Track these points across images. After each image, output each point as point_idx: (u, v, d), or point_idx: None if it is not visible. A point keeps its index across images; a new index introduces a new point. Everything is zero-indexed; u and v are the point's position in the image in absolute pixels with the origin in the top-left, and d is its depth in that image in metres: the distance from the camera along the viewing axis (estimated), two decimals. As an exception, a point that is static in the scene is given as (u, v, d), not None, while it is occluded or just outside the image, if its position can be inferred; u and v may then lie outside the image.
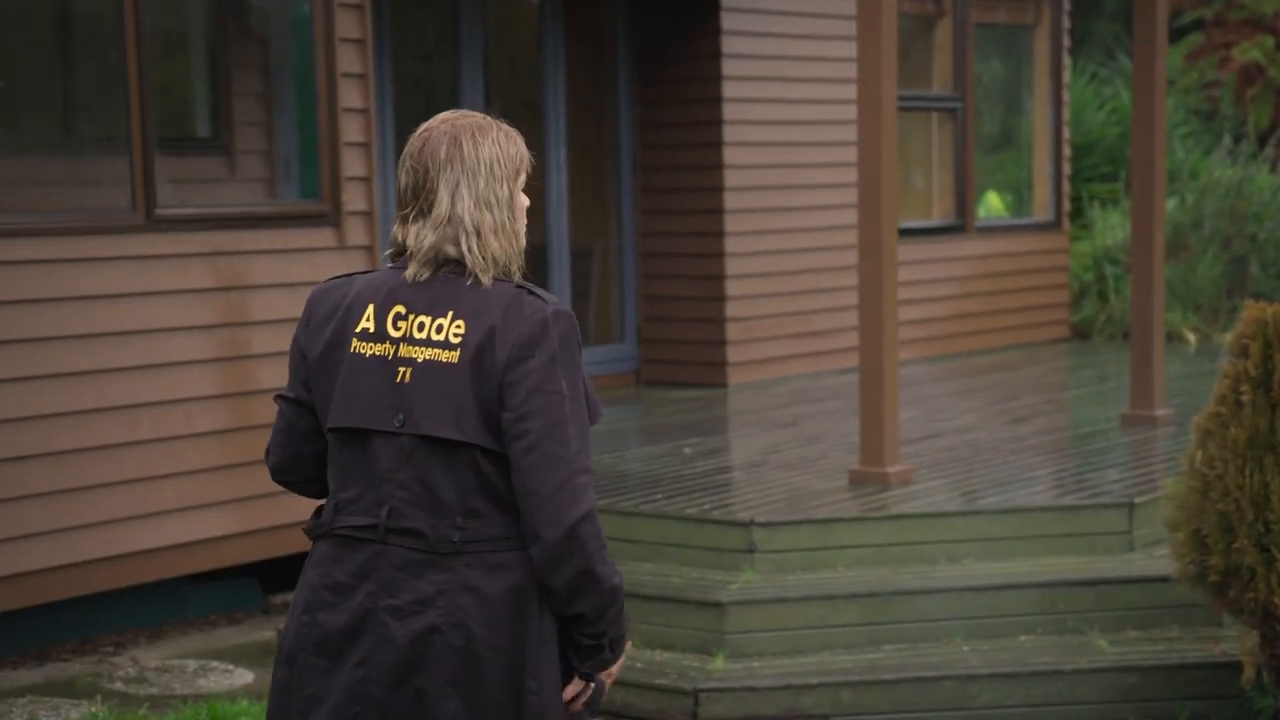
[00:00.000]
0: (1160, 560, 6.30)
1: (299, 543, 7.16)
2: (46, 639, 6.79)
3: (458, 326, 2.91)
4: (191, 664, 6.56)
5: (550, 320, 2.90)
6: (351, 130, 7.34)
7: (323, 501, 3.14)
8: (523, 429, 2.86)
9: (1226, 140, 14.27)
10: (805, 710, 5.77)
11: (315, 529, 3.08)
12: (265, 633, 7.02)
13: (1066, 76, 12.34)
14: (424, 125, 3.02)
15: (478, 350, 2.89)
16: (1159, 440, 8.01)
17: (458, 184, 2.93)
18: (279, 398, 3.15)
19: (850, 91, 10.01)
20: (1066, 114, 12.40)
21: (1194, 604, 6.04)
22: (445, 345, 2.92)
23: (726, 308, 9.92)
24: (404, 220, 2.98)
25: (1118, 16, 20.51)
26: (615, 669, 3.04)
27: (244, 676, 6.41)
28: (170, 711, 5.90)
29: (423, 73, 9.64)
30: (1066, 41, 12.31)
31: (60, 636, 6.83)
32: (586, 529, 2.88)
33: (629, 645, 3.07)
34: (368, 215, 7.42)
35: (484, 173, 2.95)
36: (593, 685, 3.02)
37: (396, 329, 2.95)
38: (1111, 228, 13.22)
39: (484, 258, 2.93)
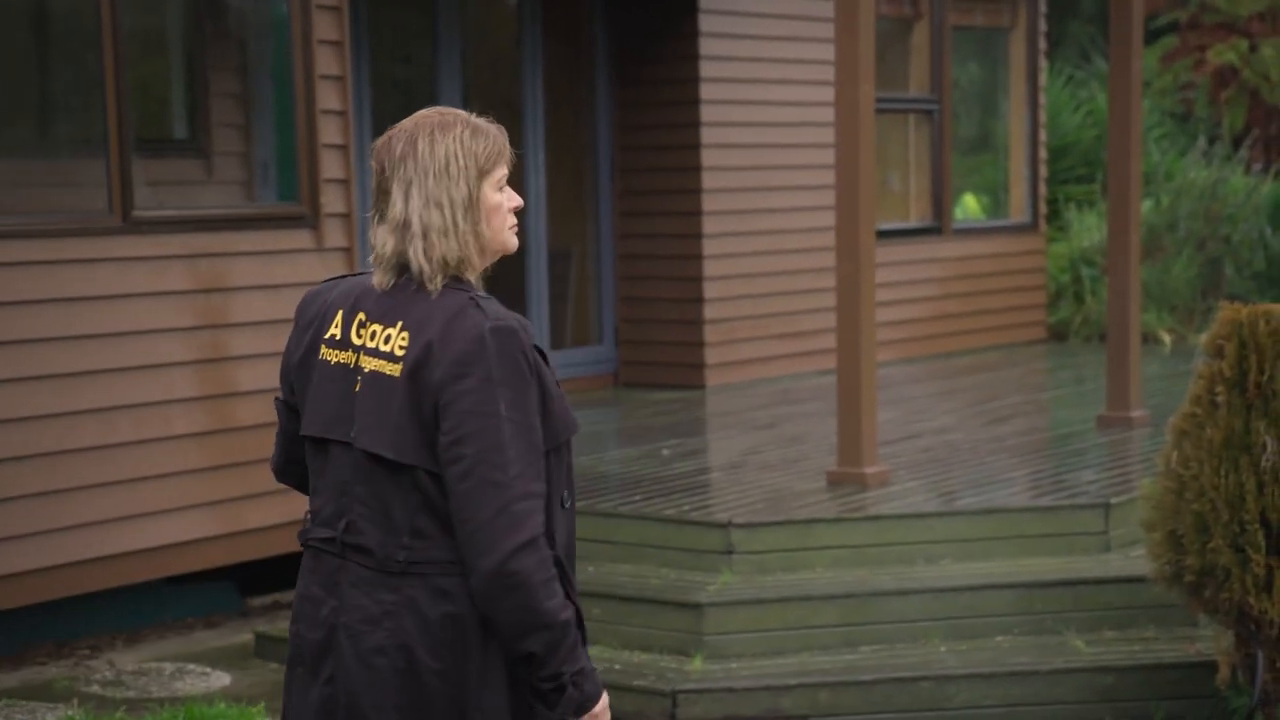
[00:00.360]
0: (1136, 561, 6.33)
1: (278, 545, 7.16)
2: (23, 642, 6.77)
3: (403, 339, 2.80)
4: (169, 667, 6.55)
5: (488, 336, 2.74)
6: (330, 132, 7.34)
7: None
8: (458, 453, 2.72)
9: (1201, 142, 14.34)
10: (784, 711, 5.79)
11: (299, 535, 3.05)
12: (243, 636, 7.01)
13: (1043, 79, 12.39)
14: (398, 124, 2.94)
15: (415, 366, 2.77)
16: (1135, 441, 8.05)
17: (410, 184, 2.82)
18: (276, 400, 3.12)
19: (828, 93, 10.03)
20: (1043, 116, 12.44)
21: (1170, 604, 6.07)
22: (390, 358, 2.81)
23: (705, 309, 9.93)
24: (375, 222, 2.91)
25: (1093, 18, 20.58)
26: (600, 708, 2.82)
27: (221, 679, 6.40)
28: (147, 714, 5.89)
29: (401, 74, 9.63)
30: (1043, 44, 12.36)
31: (37, 639, 6.81)
32: (527, 560, 2.71)
33: (600, 679, 2.88)
34: (346, 217, 7.41)
35: (436, 171, 2.81)
36: None
37: (359, 337, 2.87)
38: (1088, 229, 13.28)
39: (430, 262, 2.81)
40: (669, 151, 9.97)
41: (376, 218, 2.88)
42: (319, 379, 2.93)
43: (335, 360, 2.90)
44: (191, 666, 6.55)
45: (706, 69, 9.83)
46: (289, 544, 7.16)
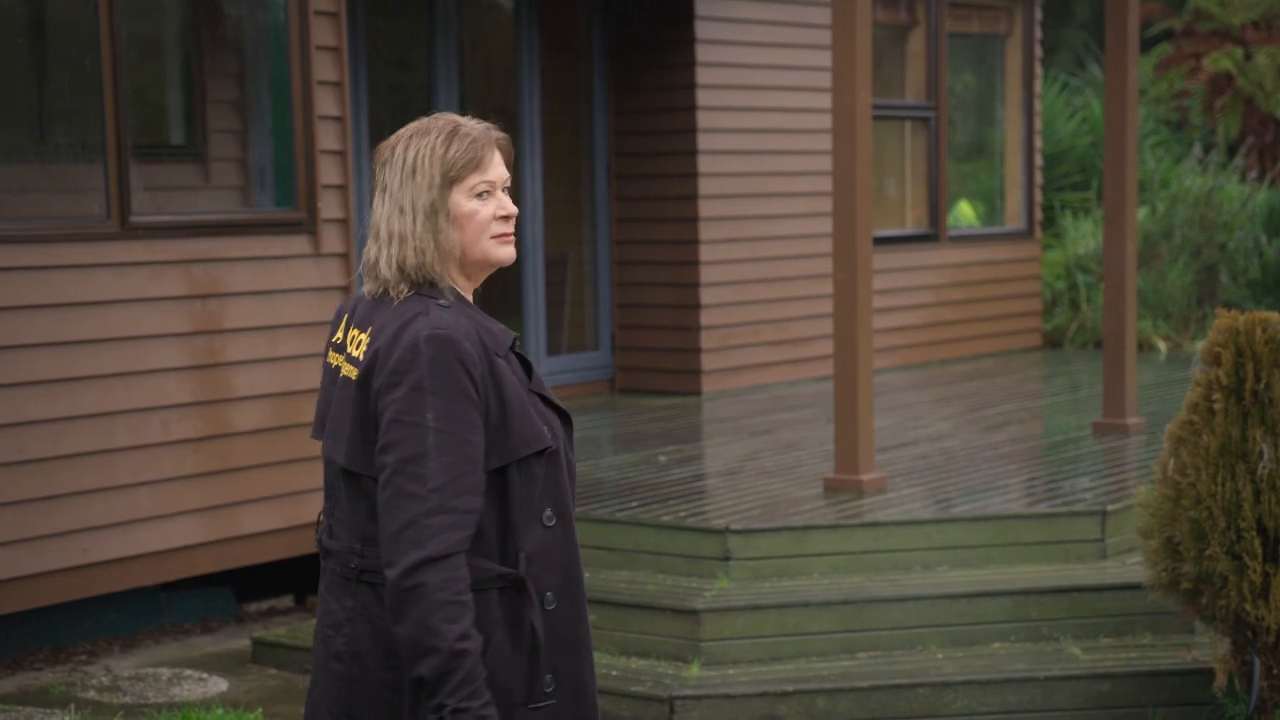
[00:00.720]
0: (1133, 568, 6.34)
1: (274, 551, 7.16)
2: (19, 647, 6.76)
3: (365, 345, 2.81)
4: (165, 672, 6.54)
5: (422, 344, 2.70)
6: (327, 138, 7.34)
7: None
8: (382, 461, 2.70)
9: (1197, 149, 14.36)
10: (781, 717, 5.79)
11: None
12: (240, 641, 7.01)
13: (1038, 86, 12.41)
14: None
15: (365, 373, 2.77)
16: (1131, 448, 8.06)
17: (385, 190, 2.84)
18: None
19: (824, 100, 10.05)
20: (1039, 123, 12.47)
21: (1166, 611, 6.08)
22: (355, 363, 2.83)
23: (701, 315, 9.94)
24: None
25: (1087, 25, 20.61)
26: None
27: (218, 685, 6.40)
28: (145, 720, 5.89)
29: (398, 80, 9.64)
30: (1038, 51, 12.38)
31: (33, 645, 6.81)
32: (430, 576, 2.63)
33: None
34: (343, 223, 7.41)
35: (402, 176, 2.80)
36: None
37: (348, 342, 2.90)
38: (1083, 236, 13.30)
39: (388, 268, 2.80)
40: (666, 158, 9.97)
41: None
42: (324, 381, 2.98)
43: (333, 363, 2.95)
44: (189, 672, 6.54)
45: (703, 76, 9.84)
46: (285, 550, 7.16)
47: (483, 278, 2.92)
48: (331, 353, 2.95)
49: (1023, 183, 12.40)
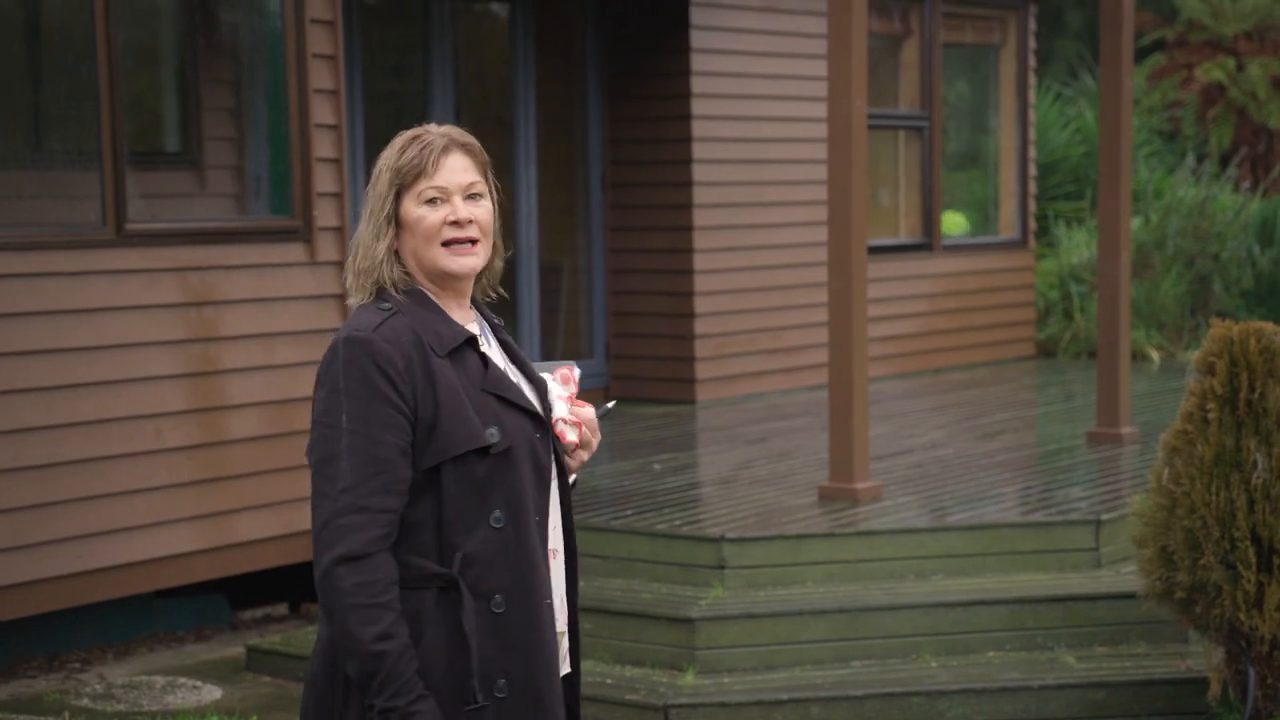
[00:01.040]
0: (1127, 577, 6.35)
1: (268, 559, 7.16)
2: (13, 655, 6.75)
3: None
4: (159, 680, 6.54)
5: (340, 347, 2.76)
6: (323, 146, 7.34)
7: None
8: (307, 462, 2.78)
9: (1190, 160, 14.40)
10: (776, 726, 5.79)
11: None
12: (234, 649, 7.00)
13: (1032, 96, 12.43)
14: None
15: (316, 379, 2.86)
16: (1125, 458, 8.08)
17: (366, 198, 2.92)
18: None
19: (819, 109, 10.07)
20: (1033, 133, 12.49)
21: (1161, 620, 6.09)
22: None
23: (696, 324, 9.95)
24: None
25: (1081, 35, 20.66)
26: None
27: (212, 693, 6.39)
28: (139, 728, 5.89)
29: (393, 88, 9.64)
30: (1032, 61, 12.41)
31: (27, 653, 6.80)
32: (343, 576, 2.68)
33: None
34: (339, 231, 7.42)
35: (369, 187, 2.89)
36: None
37: None
38: (1077, 246, 13.32)
39: (351, 275, 2.87)
40: (660, 166, 9.99)
41: None
42: None
43: None
44: (182, 680, 6.54)
45: (698, 85, 9.85)
46: (281, 557, 7.16)
47: (458, 287, 2.90)
48: None
49: (1016, 192, 12.43)
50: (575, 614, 3.02)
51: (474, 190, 2.87)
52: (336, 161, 7.41)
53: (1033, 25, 12.38)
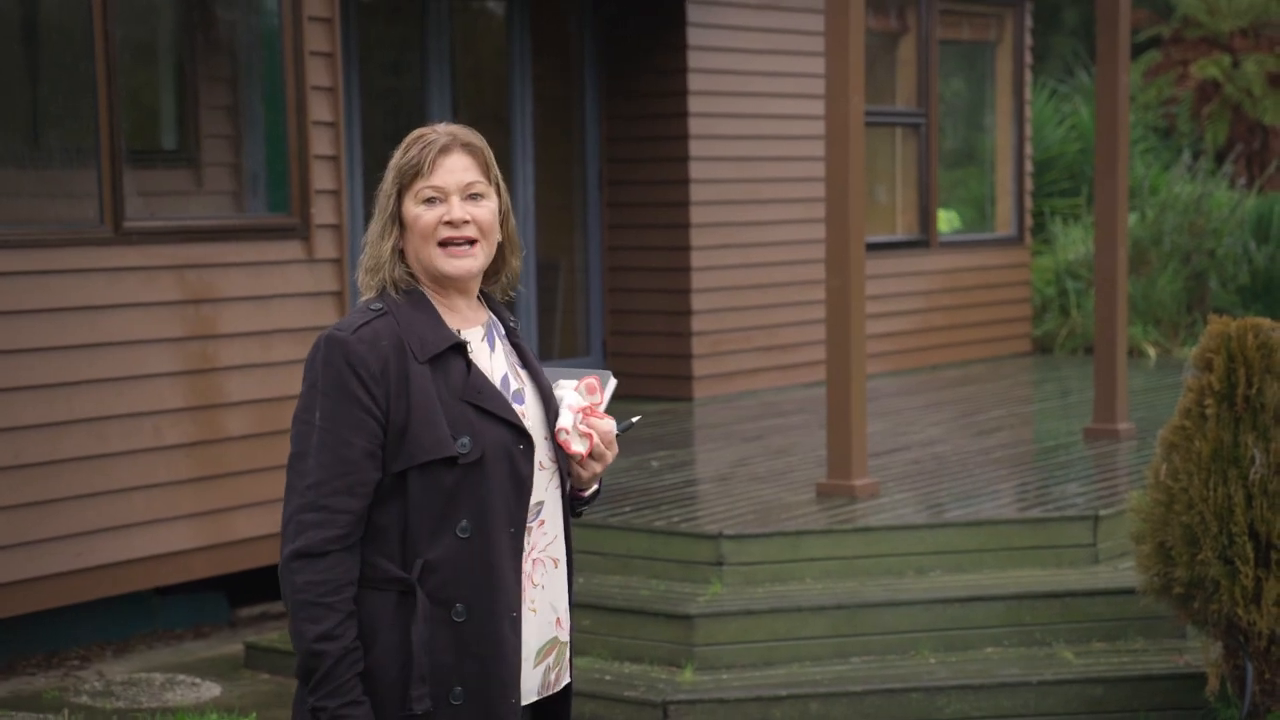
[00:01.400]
0: (1125, 572, 6.37)
1: (266, 556, 7.16)
2: (12, 653, 6.75)
3: None
4: (159, 677, 6.54)
5: (321, 345, 2.79)
6: (321, 143, 7.35)
7: None
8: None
9: (1186, 156, 14.41)
10: (774, 722, 5.80)
11: None
12: (232, 646, 7.01)
13: (1029, 93, 12.44)
14: None
15: None
16: (1122, 454, 8.09)
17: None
18: None
19: (816, 107, 10.08)
20: (1029, 130, 12.50)
21: (1158, 616, 6.11)
22: None
23: (693, 321, 9.96)
24: None
25: (1077, 33, 20.67)
26: None
27: (211, 690, 6.40)
28: (139, 725, 5.89)
29: (391, 86, 9.65)
30: (1028, 58, 12.42)
31: (26, 650, 6.80)
32: (297, 571, 2.72)
33: None
34: (336, 228, 7.42)
35: (380, 186, 2.91)
36: None
37: None
38: (1073, 243, 13.34)
39: (361, 271, 2.90)
40: (657, 164, 9.99)
41: None
42: None
43: None
44: (181, 677, 6.54)
45: (695, 82, 9.86)
46: (278, 555, 7.14)
47: (461, 287, 2.89)
48: None
49: (1013, 189, 12.44)
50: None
51: (474, 190, 2.86)
52: (334, 159, 7.42)
53: (1029, 22, 12.39)
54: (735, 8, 10.07)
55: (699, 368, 10.01)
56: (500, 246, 2.94)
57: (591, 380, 3.00)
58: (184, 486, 6.89)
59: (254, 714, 5.94)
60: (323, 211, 7.36)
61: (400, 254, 2.87)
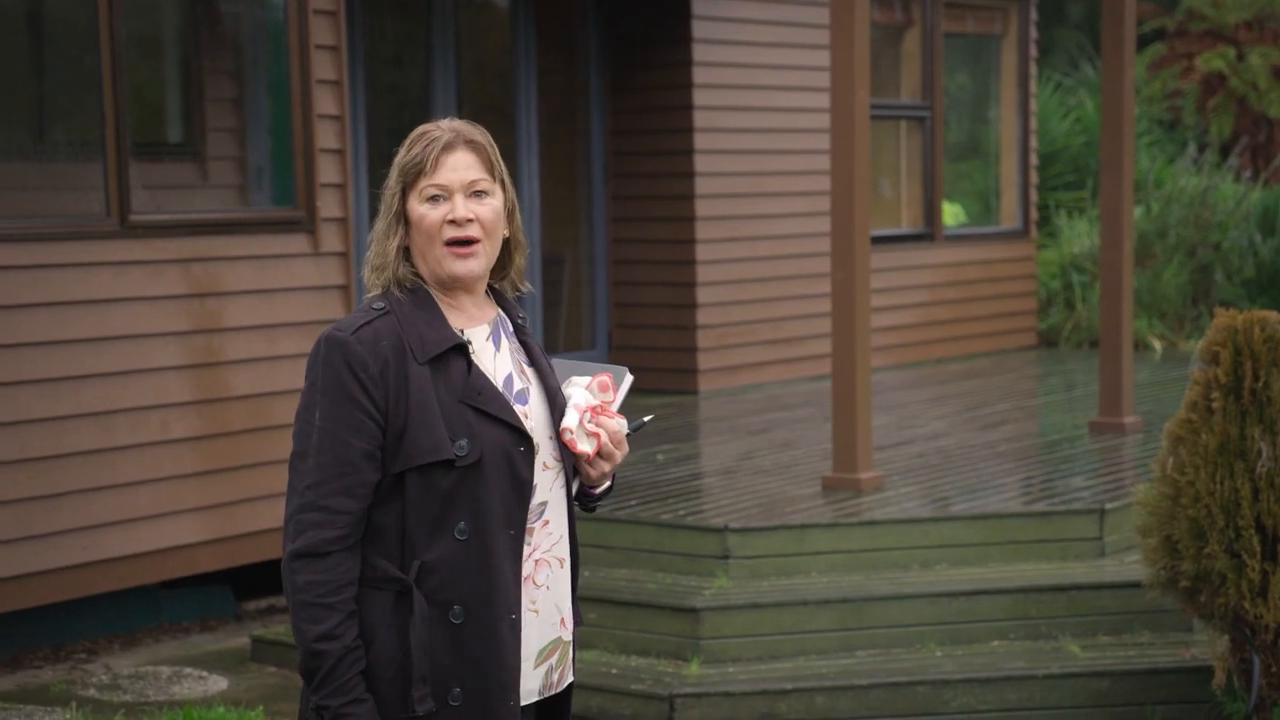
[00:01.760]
0: (1131, 566, 6.36)
1: (273, 550, 7.17)
2: (19, 646, 6.76)
3: None
4: (165, 670, 6.55)
5: (321, 345, 2.78)
6: (326, 137, 7.35)
7: None
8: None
9: (1191, 149, 14.40)
10: (780, 715, 5.80)
11: None
12: (239, 639, 7.02)
13: (1034, 86, 12.43)
14: None
15: None
16: (1128, 447, 8.08)
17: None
18: None
19: (821, 100, 10.07)
20: (1034, 123, 12.49)
21: (1165, 609, 6.10)
22: None
23: (698, 315, 9.95)
24: None
25: (1081, 26, 20.65)
26: None
27: (218, 683, 6.41)
28: (145, 718, 5.89)
29: (396, 79, 9.64)
30: (1033, 51, 12.40)
31: (33, 643, 6.81)
32: (298, 571, 2.73)
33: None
34: (342, 221, 7.42)
35: (386, 183, 2.89)
36: None
37: None
38: (1078, 236, 13.32)
39: (366, 269, 2.88)
40: (662, 157, 9.99)
41: None
42: None
43: None
44: (188, 670, 6.55)
45: (700, 75, 9.85)
46: (282, 548, 7.15)
47: (467, 285, 2.87)
48: None
49: (1018, 182, 12.43)
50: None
51: (478, 188, 2.84)
52: (339, 152, 7.42)
53: (1034, 15, 12.37)
54: (740, 1, 10.07)
55: (704, 361, 10.01)
56: (505, 242, 2.92)
57: (604, 378, 2.98)
58: (189, 480, 6.89)
59: (260, 707, 5.94)
60: (328, 205, 7.36)
61: (405, 252, 2.86)
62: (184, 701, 6.12)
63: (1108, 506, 6.66)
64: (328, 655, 2.70)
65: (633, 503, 6.88)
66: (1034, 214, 12.53)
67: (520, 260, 2.97)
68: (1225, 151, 16.50)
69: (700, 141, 9.88)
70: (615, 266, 10.25)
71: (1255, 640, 5.42)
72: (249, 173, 7.88)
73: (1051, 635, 6.25)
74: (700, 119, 9.87)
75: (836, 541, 6.51)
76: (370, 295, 2.87)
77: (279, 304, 7.16)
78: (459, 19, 9.63)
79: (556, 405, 2.92)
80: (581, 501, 3.02)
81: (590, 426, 2.92)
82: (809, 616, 6.18)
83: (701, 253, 9.94)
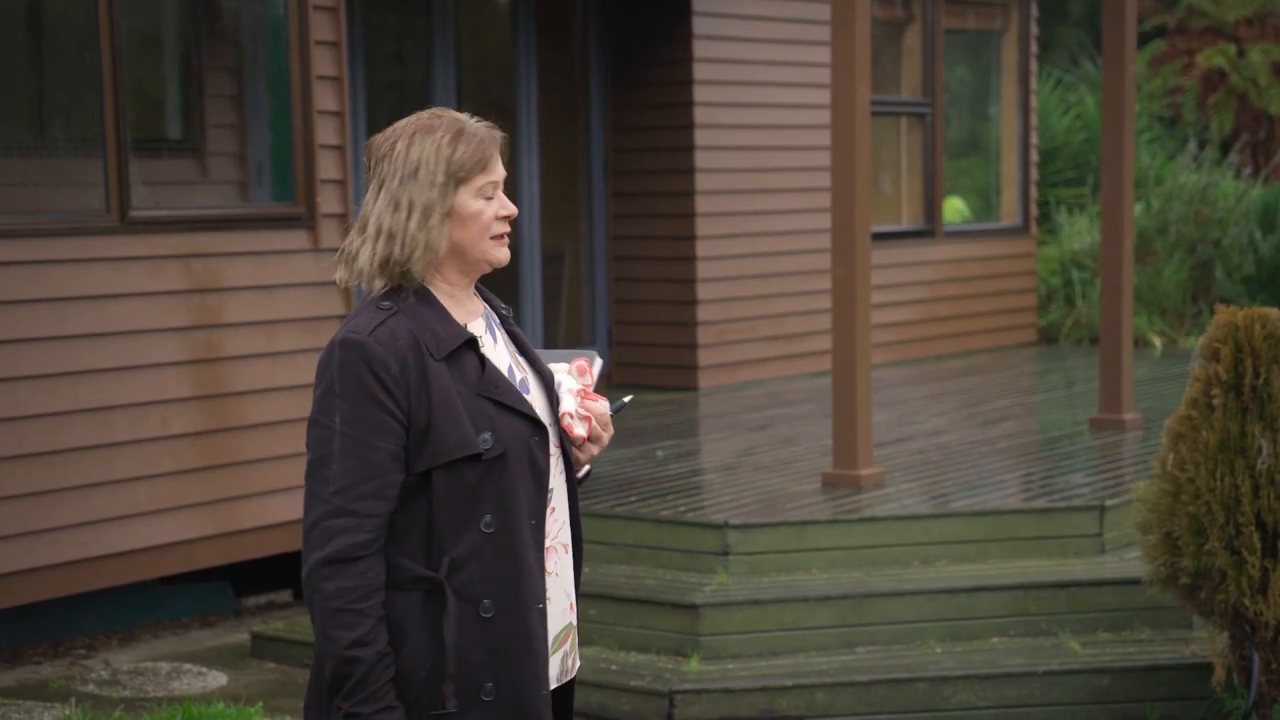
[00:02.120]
0: (1131, 563, 6.36)
1: (273, 546, 7.17)
2: (18, 642, 6.76)
3: None
4: (165, 666, 6.55)
5: (336, 348, 2.74)
6: (326, 133, 7.34)
7: None
8: (306, 460, 2.78)
9: (1191, 146, 14.39)
10: (780, 712, 5.80)
11: None
12: (239, 635, 7.01)
13: (1034, 82, 12.42)
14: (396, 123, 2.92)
15: None
16: (1128, 444, 8.08)
17: (381, 184, 2.79)
18: None
19: (821, 96, 10.06)
20: (1034, 119, 12.48)
21: (1165, 606, 6.10)
22: None
23: (698, 311, 9.95)
24: None
25: (1082, 23, 20.65)
26: None
27: (218, 679, 6.40)
28: (145, 714, 5.89)
29: (395, 76, 9.64)
30: (1034, 47, 12.40)
31: (32, 639, 6.81)
32: (327, 578, 2.68)
33: None
34: (342, 218, 7.42)
35: (404, 175, 2.77)
36: None
37: None
38: (1078, 232, 13.32)
39: (370, 262, 2.79)
40: (663, 153, 9.98)
41: None
42: None
43: None
44: (188, 666, 6.55)
45: (700, 71, 9.85)
46: (285, 544, 7.17)
47: (475, 278, 2.89)
48: None
49: (1018, 179, 12.42)
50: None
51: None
52: (339, 148, 7.41)
53: (1035, 12, 12.36)
54: (740, -3, 10.06)
55: (704, 357, 10.01)
56: None
57: (581, 362, 3.00)
58: (189, 476, 6.89)
59: (260, 703, 5.94)
60: (328, 201, 7.35)
61: None
62: (183, 697, 6.11)
63: (1108, 503, 6.66)
64: (360, 662, 2.67)
65: (633, 499, 6.88)
66: (1034, 210, 12.52)
67: None
68: (1225, 148, 16.49)
69: (701, 138, 9.87)
70: (615, 263, 10.25)
71: (1255, 637, 5.42)
72: (249, 168, 7.88)
73: (1051, 632, 6.25)
74: (701, 115, 9.86)
75: (837, 538, 6.51)
76: (372, 295, 2.82)
77: (279, 300, 7.16)
78: (459, 15, 9.63)
79: (552, 393, 2.93)
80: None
81: (581, 410, 2.93)
82: (809, 613, 6.18)
83: (702, 249, 9.93)
